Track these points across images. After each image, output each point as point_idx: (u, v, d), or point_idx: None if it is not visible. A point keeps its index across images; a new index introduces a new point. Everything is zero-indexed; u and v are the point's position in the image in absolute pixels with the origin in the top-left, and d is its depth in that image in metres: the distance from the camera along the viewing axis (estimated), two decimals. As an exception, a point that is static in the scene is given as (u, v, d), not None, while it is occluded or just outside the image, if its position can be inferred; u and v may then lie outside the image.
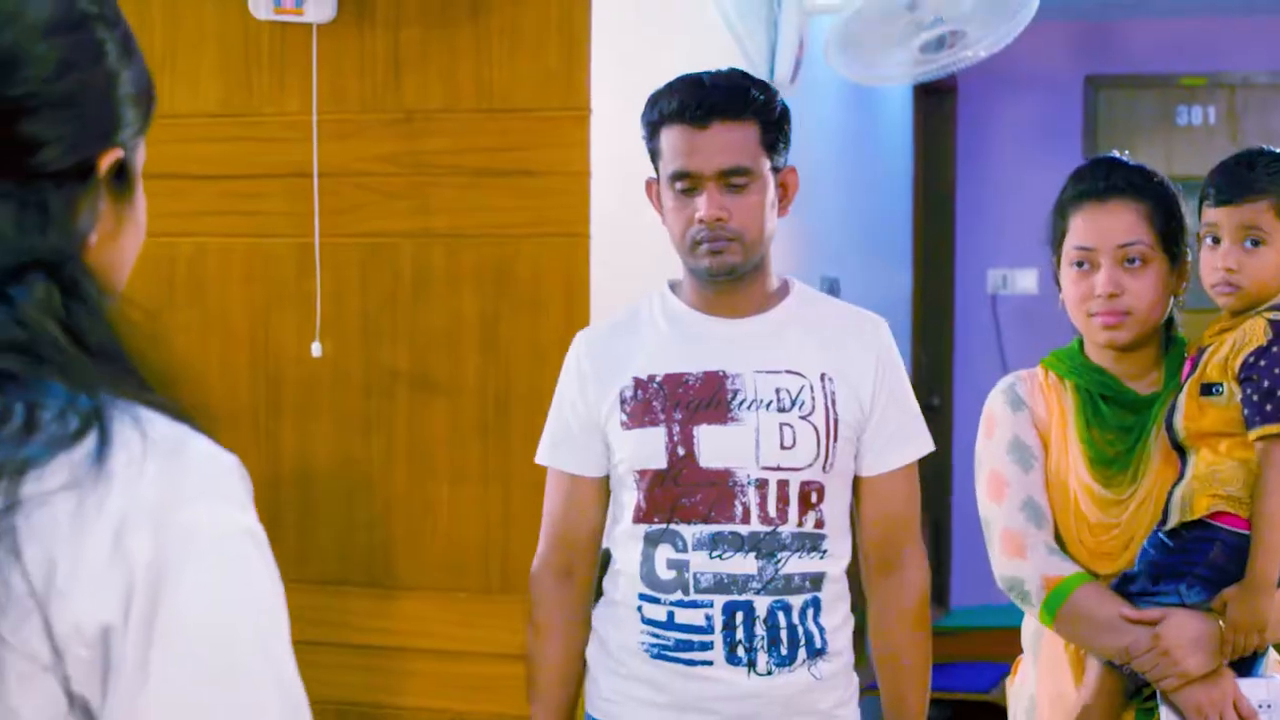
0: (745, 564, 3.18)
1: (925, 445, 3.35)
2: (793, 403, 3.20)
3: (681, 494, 3.20)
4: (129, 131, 1.49)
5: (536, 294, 4.12)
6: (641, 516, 3.24)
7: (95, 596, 1.28)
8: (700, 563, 3.19)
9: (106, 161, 1.45)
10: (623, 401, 3.25)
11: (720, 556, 3.18)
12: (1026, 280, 8.83)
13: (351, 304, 4.26)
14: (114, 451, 1.32)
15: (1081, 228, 3.24)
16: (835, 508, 3.25)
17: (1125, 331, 3.23)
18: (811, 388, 3.22)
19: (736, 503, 3.18)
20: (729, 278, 3.22)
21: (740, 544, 3.18)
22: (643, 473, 3.23)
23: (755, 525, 3.18)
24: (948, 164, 9.22)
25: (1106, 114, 9.24)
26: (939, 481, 8.39)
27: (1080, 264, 3.24)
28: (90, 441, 1.31)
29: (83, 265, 1.41)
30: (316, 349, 4.22)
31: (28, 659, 1.27)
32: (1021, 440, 3.30)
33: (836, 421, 3.22)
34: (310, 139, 4.22)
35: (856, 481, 3.31)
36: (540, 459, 3.40)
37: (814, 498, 3.21)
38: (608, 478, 3.34)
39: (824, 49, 5.19)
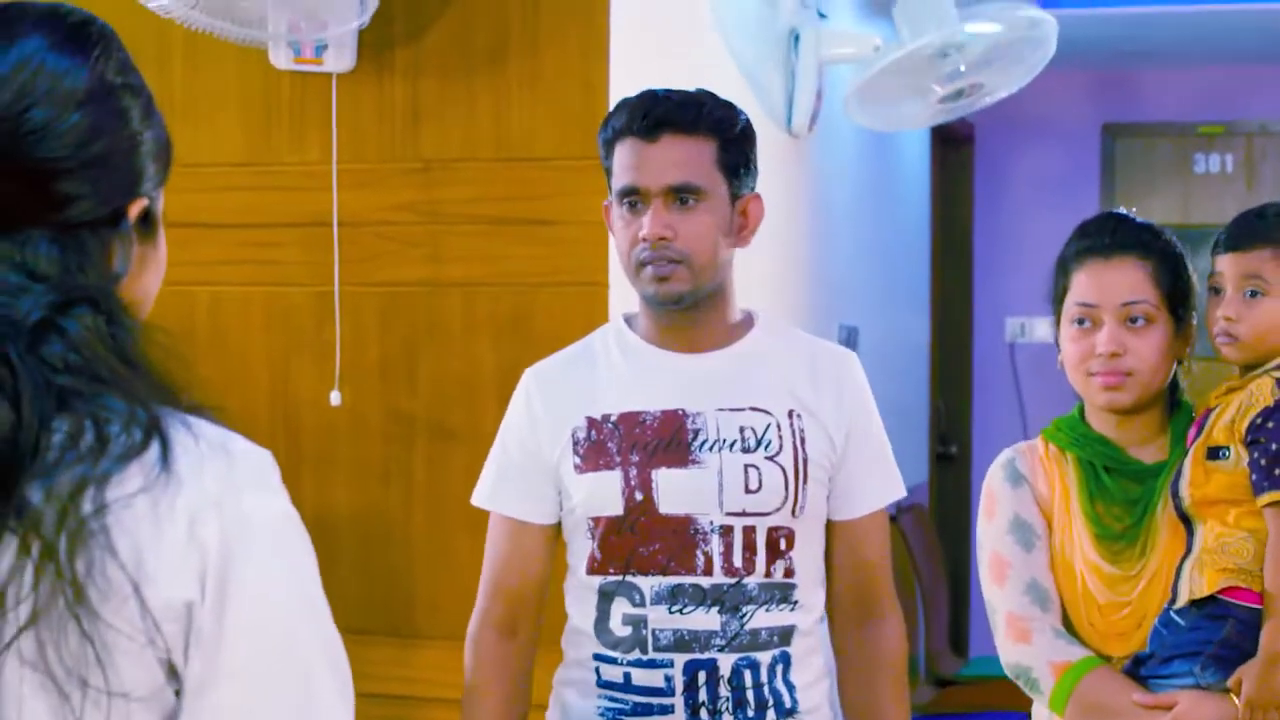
0: (708, 619, 2.93)
1: (898, 488, 3.15)
2: (758, 442, 2.97)
3: (638, 543, 2.96)
4: (151, 183, 1.72)
5: (555, 343, 4.10)
6: (596, 567, 3.01)
7: (177, 578, 1.54)
8: (659, 618, 2.94)
9: (135, 210, 1.68)
10: (575, 443, 3.01)
11: (681, 611, 2.94)
12: (1044, 328, 8.80)
13: (370, 352, 4.26)
14: (176, 456, 1.56)
15: (1084, 284, 3.12)
16: (807, 555, 3.02)
17: (1126, 393, 3.09)
18: (779, 426, 2.99)
19: (698, 552, 2.94)
20: (678, 307, 2.99)
21: (702, 597, 2.93)
22: (597, 520, 2.99)
23: (718, 576, 2.94)
24: (965, 212, 9.22)
25: (1124, 162, 9.25)
26: (957, 528, 8.37)
27: (1081, 321, 3.11)
28: (155, 449, 1.55)
29: (118, 298, 1.63)
30: (335, 398, 4.22)
31: (129, 637, 1.51)
32: (1023, 519, 3.15)
33: (806, 461, 2.99)
34: (330, 188, 4.24)
35: (829, 526, 3.08)
36: (479, 501, 3.19)
37: (783, 544, 2.98)
38: (557, 525, 3.10)
39: (845, 101, 5.20)
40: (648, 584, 2.95)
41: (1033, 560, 3.13)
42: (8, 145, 1.59)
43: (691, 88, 3.08)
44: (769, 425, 2.99)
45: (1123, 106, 9.24)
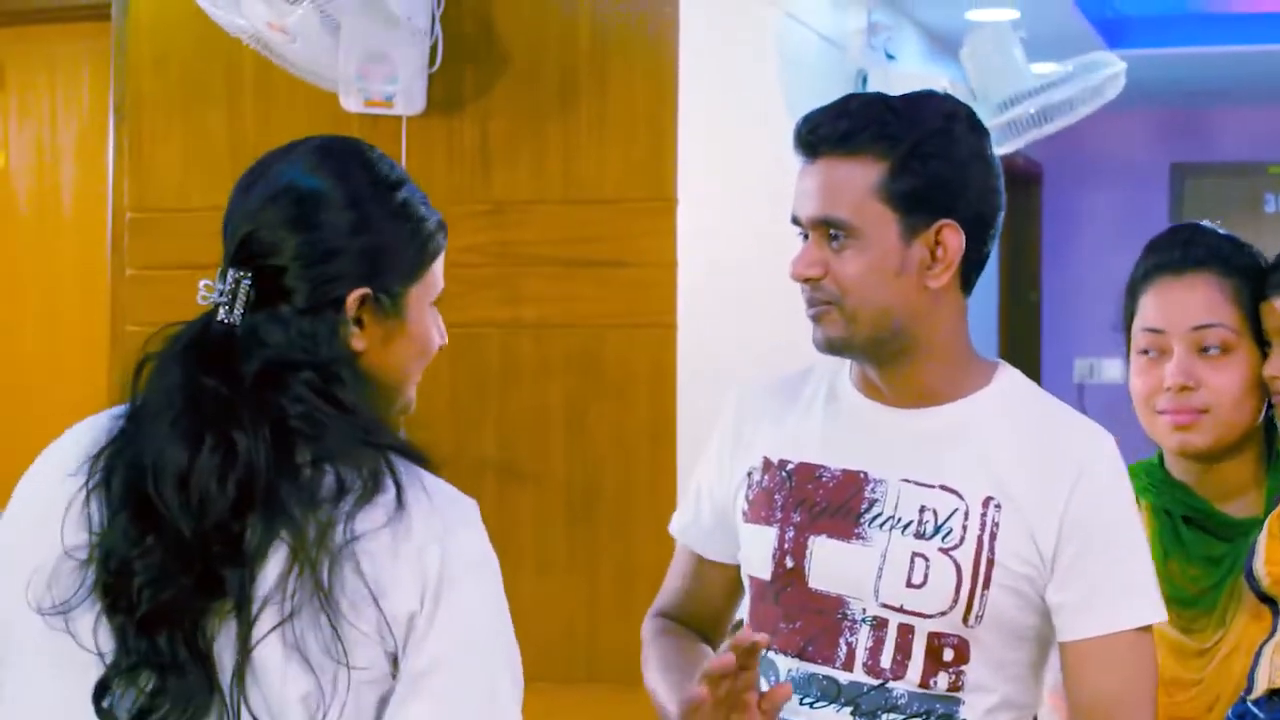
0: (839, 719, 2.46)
1: (1146, 610, 2.43)
2: (936, 529, 2.43)
3: (781, 616, 2.50)
4: (361, 278, 2.07)
5: (623, 384, 4.13)
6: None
7: (406, 593, 1.96)
8: (789, 708, 2.44)
9: (353, 297, 2.06)
10: (749, 485, 2.58)
11: (811, 705, 2.47)
12: (1114, 370, 8.76)
13: (441, 393, 4.27)
14: (408, 500, 1.98)
15: (1151, 307, 2.67)
16: (993, 673, 2.44)
17: (1199, 434, 2.62)
18: (967, 514, 2.42)
19: (841, 641, 2.46)
20: (844, 355, 2.52)
21: (836, 694, 2.46)
22: (751, 580, 2.58)
23: (859, 674, 2.44)
24: (1034, 252, 9.20)
25: (1193, 202, 9.21)
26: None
27: (1148, 351, 2.66)
28: (391, 492, 1.97)
29: (344, 363, 2.05)
30: (403, 436, 4.23)
31: (365, 634, 1.93)
32: None
33: (991, 564, 2.41)
34: (399, 230, 4.25)
35: (1062, 650, 2.46)
36: (671, 526, 2.78)
37: (949, 655, 2.42)
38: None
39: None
40: (784, 665, 2.50)
41: None
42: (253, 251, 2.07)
43: (921, 87, 2.60)
44: (955, 511, 2.44)
45: (1192, 146, 9.21)
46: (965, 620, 2.40)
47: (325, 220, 2.07)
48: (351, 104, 4.16)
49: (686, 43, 4.12)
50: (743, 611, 2.64)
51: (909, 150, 2.41)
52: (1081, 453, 2.46)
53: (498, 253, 4.22)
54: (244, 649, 1.92)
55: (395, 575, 1.96)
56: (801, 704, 2.47)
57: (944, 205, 2.44)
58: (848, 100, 2.48)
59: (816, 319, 2.46)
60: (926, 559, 2.42)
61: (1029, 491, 2.42)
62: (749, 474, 2.58)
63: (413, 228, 2.13)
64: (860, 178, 2.41)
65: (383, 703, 1.97)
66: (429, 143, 4.27)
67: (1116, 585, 2.42)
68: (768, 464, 2.56)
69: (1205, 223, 2.78)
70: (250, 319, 2.03)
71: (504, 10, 4.25)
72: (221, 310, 2.03)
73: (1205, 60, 7.87)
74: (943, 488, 2.44)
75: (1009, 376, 2.55)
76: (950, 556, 2.41)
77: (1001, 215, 2.55)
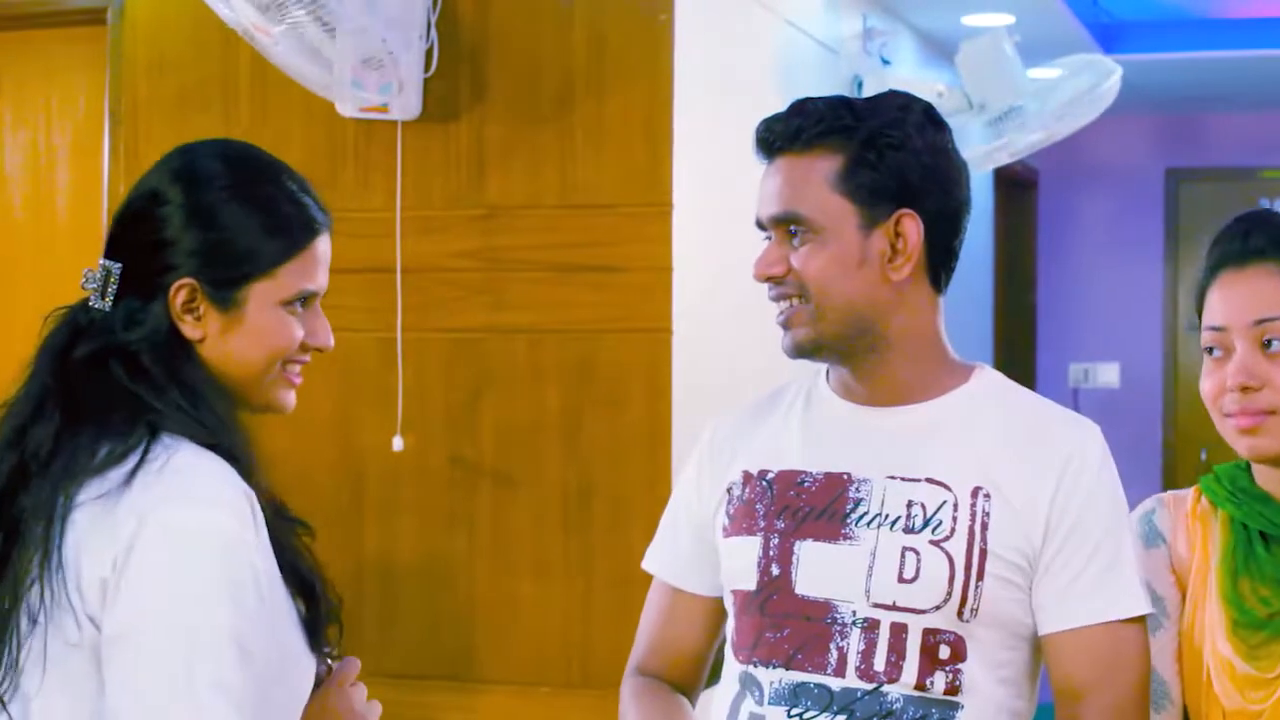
0: None
1: (1131, 603, 2.38)
2: (925, 522, 2.37)
3: (767, 626, 2.42)
4: (204, 270, 2.18)
5: (619, 389, 4.13)
6: (735, 651, 2.49)
7: (99, 559, 2.04)
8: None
9: (175, 286, 2.16)
10: (729, 501, 2.52)
11: (800, 716, 2.38)
12: (1109, 374, 8.77)
13: (434, 398, 4.27)
14: (141, 472, 2.06)
15: (1215, 302, 2.46)
16: (988, 673, 2.38)
17: (1268, 438, 2.39)
18: (956, 505, 2.37)
19: (832, 646, 2.37)
20: (816, 358, 2.48)
21: (828, 702, 2.37)
22: (735, 594, 2.49)
23: (851, 680, 2.36)
24: (1029, 257, 9.20)
25: (1188, 206, 9.22)
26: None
27: (1211, 350, 2.45)
28: (130, 465, 2.07)
29: (158, 347, 2.16)
30: (398, 443, 4.23)
31: (68, 596, 2.03)
32: (1151, 589, 2.45)
33: (984, 554, 2.35)
34: (394, 234, 4.26)
35: (1042, 645, 2.42)
36: (645, 563, 2.71)
37: (944, 653, 2.35)
38: (721, 600, 2.58)
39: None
40: (768, 678, 2.40)
41: (1155, 644, 2.45)
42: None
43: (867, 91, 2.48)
44: (944, 503, 2.38)
45: (1186, 151, 9.22)
46: (960, 614, 2.35)
47: (160, 214, 2.19)
48: (347, 109, 4.16)
49: (682, 48, 4.13)
50: (726, 637, 2.54)
51: (864, 141, 2.40)
52: (1068, 443, 2.43)
53: (492, 258, 4.22)
54: (14, 604, 2.07)
55: (92, 543, 2.05)
56: (790, 716, 2.38)
57: (903, 196, 2.41)
58: (804, 101, 2.48)
59: (786, 322, 2.44)
60: (918, 553, 2.36)
61: (1016, 482, 2.39)
62: (729, 489, 2.53)
63: (268, 224, 2.20)
64: (817, 172, 2.41)
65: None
66: (424, 148, 4.27)
67: (1095, 578, 2.37)
68: (747, 477, 2.51)
69: (1271, 208, 2.53)
70: (109, 306, 2.19)
71: (500, 16, 4.25)
72: (93, 297, 2.19)
73: (1199, 65, 7.87)
74: (929, 480, 2.40)
75: (988, 375, 2.54)
76: (942, 548, 2.36)
77: (967, 209, 2.50)
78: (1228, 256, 2.45)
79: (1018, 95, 5.34)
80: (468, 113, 4.25)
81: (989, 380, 2.53)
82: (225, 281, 2.19)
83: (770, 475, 2.49)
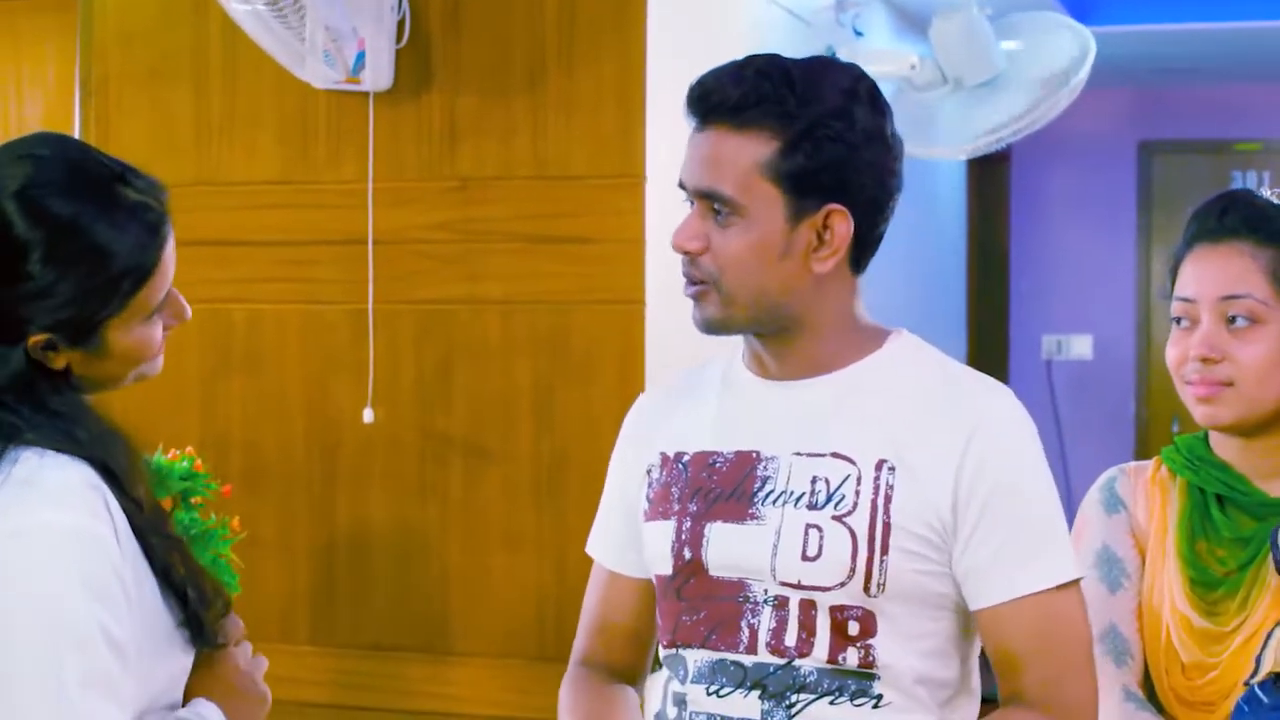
0: (747, 705, 2.35)
1: (1060, 569, 2.33)
2: (828, 498, 2.33)
3: (684, 609, 2.41)
4: (55, 328, 2.11)
5: (591, 361, 4.13)
6: (660, 635, 2.50)
7: None
8: (696, 699, 2.38)
9: (31, 342, 2.10)
10: (649, 484, 2.50)
11: (718, 694, 2.37)
12: (1081, 346, 8.78)
13: (406, 370, 4.27)
14: None
15: (1186, 275, 2.57)
16: (904, 646, 2.34)
17: (1223, 408, 2.51)
18: (859, 479, 2.33)
19: (743, 624, 2.36)
20: (726, 334, 2.42)
21: (742, 678, 2.36)
22: (657, 579, 2.48)
23: (763, 655, 2.34)
24: (1001, 231, 9.21)
25: (1160, 179, 9.23)
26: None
27: (1179, 320, 2.57)
28: None
29: (25, 388, 2.11)
30: (369, 415, 4.23)
31: None
32: (1112, 552, 2.60)
33: (888, 527, 2.31)
34: (365, 206, 4.25)
35: (976, 619, 2.37)
36: (587, 546, 2.72)
37: (854, 629, 2.32)
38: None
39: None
40: (691, 658, 2.40)
41: (1116, 603, 2.58)
42: None
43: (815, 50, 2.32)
44: (847, 477, 2.34)
45: (1159, 124, 9.23)
46: (866, 590, 2.30)
47: (11, 265, 2.09)
48: (318, 80, 4.14)
49: (655, 18, 4.12)
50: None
51: (803, 131, 2.30)
52: (976, 409, 2.35)
53: (464, 229, 4.22)
54: None
55: None
56: (709, 694, 2.38)
57: (834, 189, 2.32)
58: (744, 65, 2.37)
59: (695, 298, 2.37)
60: (820, 529, 2.32)
61: (923, 451, 2.32)
62: (648, 471, 2.50)
63: (117, 264, 2.12)
64: (749, 153, 2.31)
65: None
66: (396, 119, 4.26)
67: (1019, 548, 2.30)
68: (665, 459, 2.48)
69: (1254, 189, 2.67)
70: None
71: (471, -14, 4.24)
72: None
73: (1173, 37, 7.87)
74: (834, 455, 2.34)
75: (902, 340, 2.45)
76: (844, 524, 2.31)
77: (897, 195, 2.41)
78: (1203, 232, 2.55)
79: (992, 69, 5.33)
80: (440, 84, 4.24)
81: (902, 345, 2.44)
82: (82, 332, 2.13)
83: (686, 457, 2.45)
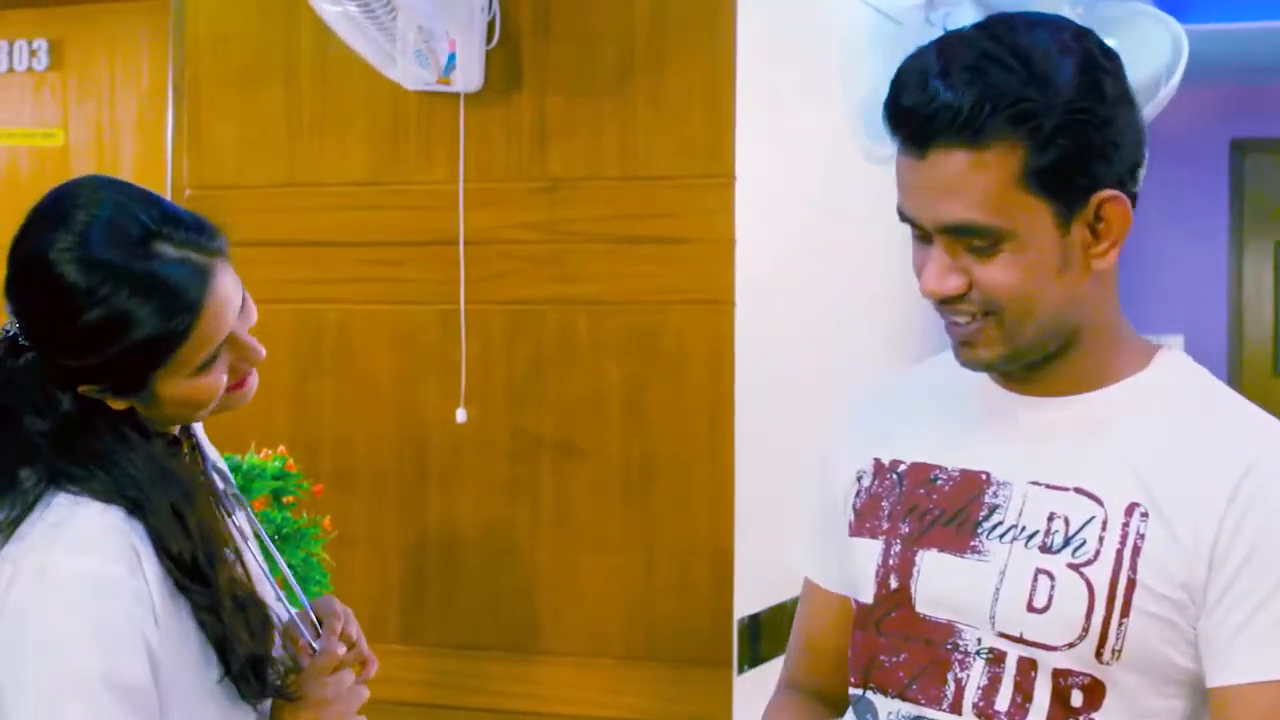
0: None
1: None
2: (1065, 542, 2.00)
3: (882, 648, 2.12)
4: (88, 378, 2.14)
5: (681, 361, 4.12)
6: (850, 669, 2.20)
7: None
8: None
9: (83, 390, 2.13)
10: (857, 491, 2.22)
11: None
12: (1174, 347, 8.71)
13: (496, 371, 4.27)
14: (25, 524, 2.07)
15: None
16: None
17: None
18: (1104, 523, 1.99)
19: (950, 678, 2.05)
20: (1004, 369, 2.10)
21: None
22: (856, 606, 2.19)
23: (967, 717, 2.03)
24: (1092, 230, 9.17)
25: (1253, 178, 9.16)
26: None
27: None
28: (13, 516, 2.07)
29: (72, 431, 2.13)
30: (461, 415, 4.24)
31: None
32: None
33: (1131, 584, 1.96)
34: (456, 207, 4.26)
35: (1209, 698, 2.00)
36: (789, 559, 2.48)
37: (1078, 698, 1.98)
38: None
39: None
40: (884, 707, 2.11)
41: None
42: None
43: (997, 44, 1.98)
44: (1091, 519, 2.00)
45: (1252, 122, 9.15)
46: (1099, 655, 1.97)
47: (61, 325, 2.11)
48: (409, 81, 4.16)
49: (744, 18, 4.11)
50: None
51: (1055, 127, 1.94)
52: (1249, 453, 1.98)
53: (554, 229, 4.22)
54: None
55: None
56: None
57: (1100, 174, 1.99)
58: (948, 62, 1.95)
59: (968, 339, 2.05)
60: (1052, 577, 1.99)
61: (1179, 499, 1.97)
62: (858, 478, 2.22)
63: (111, 345, 2.10)
64: (997, 170, 1.94)
65: None
66: (486, 120, 4.27)
67: (1270, 623, 1.93)
68: (878, 466, 2.19)
69: None
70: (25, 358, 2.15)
71: (561, -13, 4.24)
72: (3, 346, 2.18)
73: (1266, 35, 7.81)
74: (1078, 490, 2.02)
75: (1171, 360, 2.13)
76: (1081, 574, 1.98)
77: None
78: None
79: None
80: (529, 84, 4.24)
81: (1170, 367, 2.12)
82: (127, 387, 2.15)
83: (902, 467, 2.16)
